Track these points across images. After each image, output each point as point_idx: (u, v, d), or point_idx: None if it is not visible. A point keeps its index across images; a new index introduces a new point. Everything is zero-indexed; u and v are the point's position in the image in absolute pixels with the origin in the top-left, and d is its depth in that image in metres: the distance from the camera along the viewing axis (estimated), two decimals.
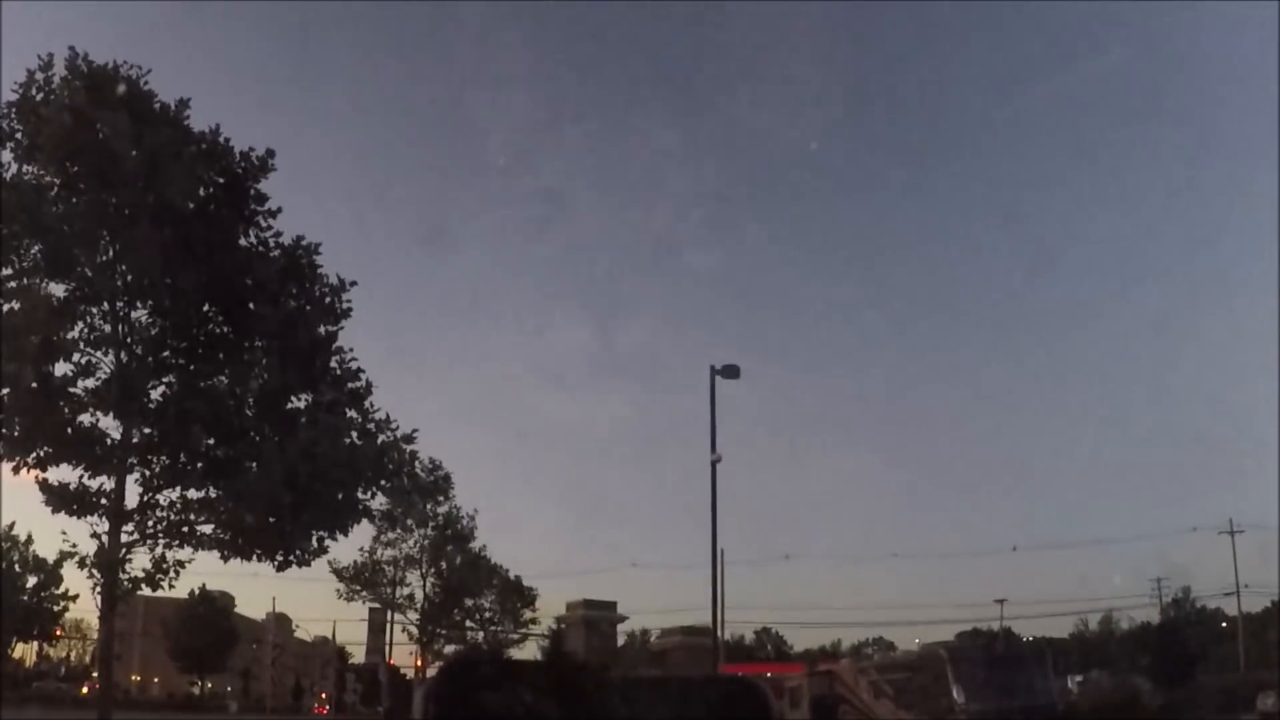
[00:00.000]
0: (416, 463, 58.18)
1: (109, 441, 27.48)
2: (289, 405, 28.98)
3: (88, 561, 27.36)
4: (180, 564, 28.45)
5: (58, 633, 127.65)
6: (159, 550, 28.29)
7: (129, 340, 28.08)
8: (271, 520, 28.30)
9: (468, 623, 69.99)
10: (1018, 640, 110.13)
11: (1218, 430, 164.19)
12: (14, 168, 27.55)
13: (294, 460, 26.94)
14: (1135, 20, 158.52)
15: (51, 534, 28.24)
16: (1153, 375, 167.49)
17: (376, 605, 72.36)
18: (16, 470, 26.92)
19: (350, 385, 29.55)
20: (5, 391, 26.42)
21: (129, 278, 27.85)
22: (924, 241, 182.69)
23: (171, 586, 28.71)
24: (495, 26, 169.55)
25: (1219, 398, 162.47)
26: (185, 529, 28.52)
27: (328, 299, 29.44)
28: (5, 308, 26.81)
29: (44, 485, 27.34)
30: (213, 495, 28.58)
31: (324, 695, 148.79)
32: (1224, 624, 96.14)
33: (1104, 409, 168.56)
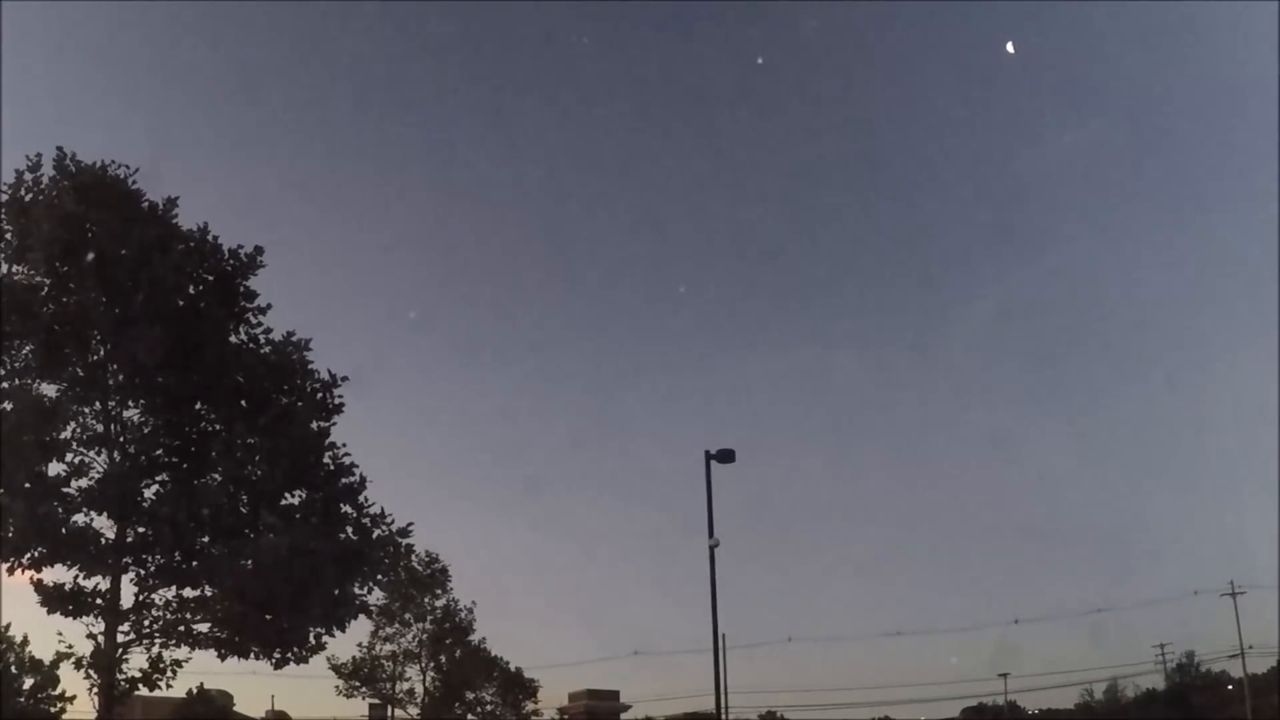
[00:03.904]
0: (413, 556, 58.30)
1: (103, 541, 27.31)
2: (283, 502, 28.86)
3: (84, 662, 27.25)
4: (177, 663, 28.25)
5: None
6: (155, 650, 28.16)
7: (121, 439, 28.06)
8: (268, 617, 28.17)
9: (469, 716, 69.16)
10: (1023, 713, 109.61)
11: (1215, 490, 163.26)
12: (4, 268, 27.78)
13: (288, 556, 26.79)
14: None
15: (47, 635, 28.08)
16: (1149, 437, 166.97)
17: (376, 701, 71.43)
18: (11, 571, 26.89)
19: (344, 480, 29.42)
20: None
21: (120, 377, 27.92)
22: (927, 320, 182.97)
23: (169, 686, 28.46)
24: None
25: (1215, 458, 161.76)
26: (181, 628, 28.38)
27: (319, 395, 29.46)
28: None
29: (39, 586, 27.22)
30: (208, 593, 28.46)
31: None
32: (1229, 686, 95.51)
33: (1099, 475, 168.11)
